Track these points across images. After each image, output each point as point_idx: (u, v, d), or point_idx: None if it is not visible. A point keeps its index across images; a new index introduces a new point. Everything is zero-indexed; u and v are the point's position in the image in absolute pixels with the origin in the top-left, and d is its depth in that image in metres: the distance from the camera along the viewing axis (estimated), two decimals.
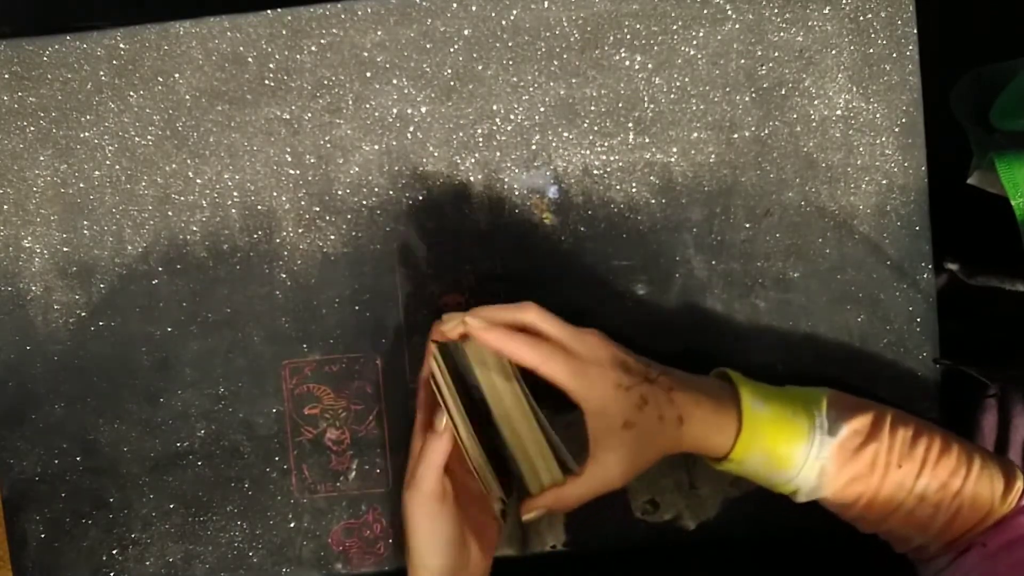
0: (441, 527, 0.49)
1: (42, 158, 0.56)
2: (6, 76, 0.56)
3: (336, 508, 0.58)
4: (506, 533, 0.57)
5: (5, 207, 0.57)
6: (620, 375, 0.47)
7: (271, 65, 0.56)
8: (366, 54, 0.55)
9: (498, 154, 0.56)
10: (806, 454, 0.47)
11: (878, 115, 0.55)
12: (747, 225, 0.56)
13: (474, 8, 0.55)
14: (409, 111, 0.56)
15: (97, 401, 0.57)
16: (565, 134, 0.56)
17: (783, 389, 0.50)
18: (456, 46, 0.55)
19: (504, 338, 0.47)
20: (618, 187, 0.56)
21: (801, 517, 0.52)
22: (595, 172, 0.56)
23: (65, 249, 0.57)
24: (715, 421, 0.47)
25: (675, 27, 0.55)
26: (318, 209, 0.56)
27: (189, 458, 0.57)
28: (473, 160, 0.56)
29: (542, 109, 0.56)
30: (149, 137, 0.56)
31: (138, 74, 0.56)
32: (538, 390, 0.49)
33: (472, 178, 0.56)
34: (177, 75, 0.56)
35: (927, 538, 0.48)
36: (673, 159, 0.56)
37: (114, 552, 0.58)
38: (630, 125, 0.56)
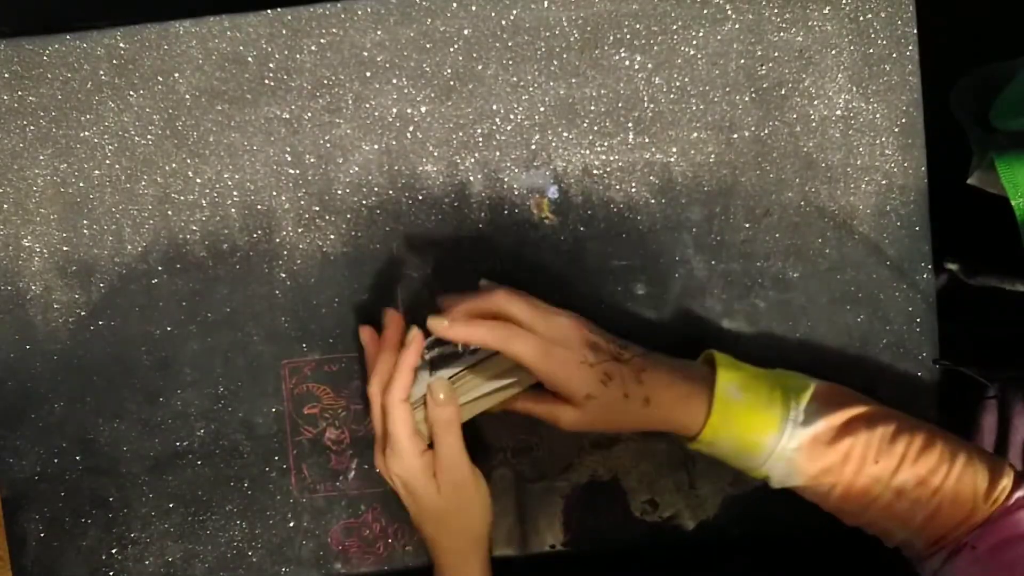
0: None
1: (42, 157, 0.56)
2: (6, 76, 0.56)
3: (335, 508, 0.58)
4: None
5: (5, 206, 0.56)
6: (586, 353, 0.48)
7: (271, 65, 0.56)
8: (366, 54, 0.55)
9: (498, 154, 0.56)
10: (775, 443, 0.48)
11: (878, 115, 0.55)
12: (747, 225, 0.56)
13: (474, 8, 0.55)
14: (409, 111, 0.56)
15: (97, 401, 0.57)
16: (565, 134, 0.56)
17: (770, 373, 0.50)
18: (456, 46, 0.55)
19: (464, 329, 0.47)
20: (618, 187, 0.56)
21: (800, 516, 0.52)
22: (595, 172, 0.56)
23: (65, 248, 0.57)
24: (685, 403, 0.48)
25: (675, 27, 0.55)
26: (318, 209, 0.56)
27: (189, 457, 0.57)
28: (473, 160, 0.56)
29: (542, 109, 0.56)
30: (149, 137, 0.56)
31: (138, 74, 0.56)
32: None
33: (472, 178, 0.56)
34: (177, 75, 0.56)
35: (909, 532, 0.48)
36: (673, 159, 0.56)
37: (113, 551, 0.58)
38: (630, 125, 0.56)
